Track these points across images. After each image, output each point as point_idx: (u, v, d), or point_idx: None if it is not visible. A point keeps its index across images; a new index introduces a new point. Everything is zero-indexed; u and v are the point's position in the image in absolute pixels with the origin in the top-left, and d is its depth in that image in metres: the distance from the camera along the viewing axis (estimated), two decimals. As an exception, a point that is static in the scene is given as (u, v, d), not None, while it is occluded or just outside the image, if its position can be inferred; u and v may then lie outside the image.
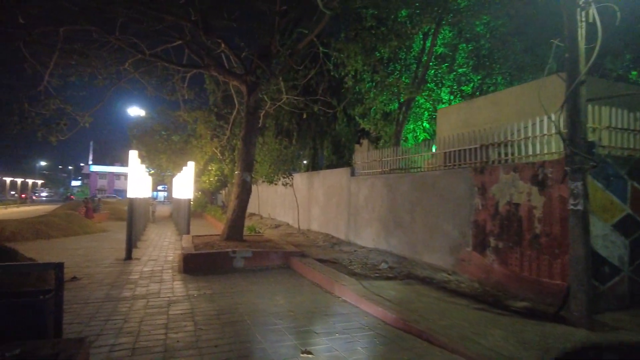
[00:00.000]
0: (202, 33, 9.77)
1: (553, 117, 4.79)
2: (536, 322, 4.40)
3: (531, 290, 5.31)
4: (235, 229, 9.94)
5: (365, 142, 18.97)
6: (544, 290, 5.14)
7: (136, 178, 10.07)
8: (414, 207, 7.88)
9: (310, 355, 3.65)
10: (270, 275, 7.52)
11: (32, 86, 10.59)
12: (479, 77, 11.84)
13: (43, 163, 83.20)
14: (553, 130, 5.26)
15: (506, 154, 6.14)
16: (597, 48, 4.18)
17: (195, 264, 7.86)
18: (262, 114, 11.65)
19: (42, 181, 68.52)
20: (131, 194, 10.04)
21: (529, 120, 5.68)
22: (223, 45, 10.66)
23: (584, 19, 4.29)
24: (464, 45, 11.72)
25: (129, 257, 9.44)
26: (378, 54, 11.02)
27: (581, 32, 4.33)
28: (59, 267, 3.24)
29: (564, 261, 4.88)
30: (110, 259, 9.38)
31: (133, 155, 10.05)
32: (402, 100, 11.58)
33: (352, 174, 10.71)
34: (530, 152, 5.67)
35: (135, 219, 11.35)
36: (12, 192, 45.75)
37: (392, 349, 3.82)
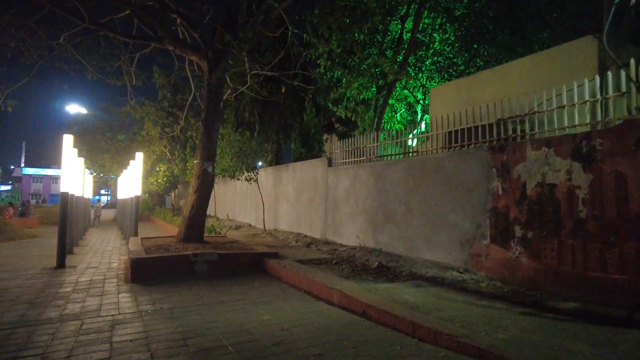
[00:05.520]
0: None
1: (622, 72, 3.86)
2: (613, 329, 3.41)
3: (575, 287, 4.36)
4: (194, 229, 8.41)
5: (331, 136, 17.86)
6: (594, 287, 4.20)
7: (71, 169, 8.26)
8: (409, 197, 6.82)
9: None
10: (244, 282, 6.13)
11: None
12: (461, 61, 11.14)
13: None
14: (599, 96, 4.39)
15: (531, 129, 5.23)
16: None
17: (147, 271, 6.30)
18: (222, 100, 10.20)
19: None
20: (65, 187, 8.15)
21: (562, 86, 4.78)
22: (179, 20, 9.14)
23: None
24: (449, 25, 10.97)
25: (61, 265, 7.64)
26: (356, 35, 9.96)
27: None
28: None
29: (623, 250, 3.96)
30: (36, 269, 7.53)
31: (68, 140, 8.22)
32: (381, 83, 10.59)
33: (330, 164, 9.53)
34: (566, 124, 4.77)
35: (71, 220, 9.47)
36: None
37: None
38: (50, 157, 74.93)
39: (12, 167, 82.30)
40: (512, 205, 5.11)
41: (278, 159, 16.06)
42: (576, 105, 4.67)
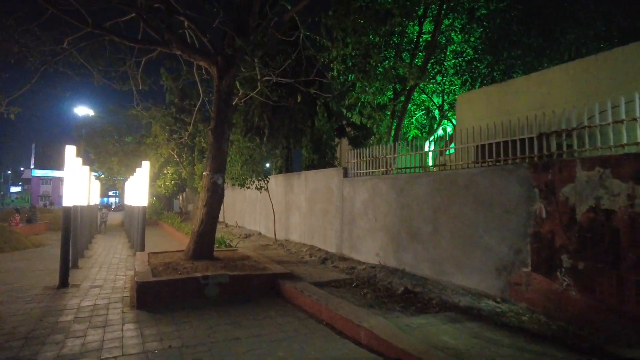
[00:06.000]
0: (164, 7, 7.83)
1: None
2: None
3: (638, 329, 3.82)
4: (203, 245, 7.95)
5: (341, 141, 17.30)
6: (664, 332, 3.65)
7: (74, 182, 7.83)
8: (437, 215, 6.29)
9: None
10: (258, 310, 5.63)
11: None
12: (484, 64, 10.53)
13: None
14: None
15: (580, 145, 4.68)
16: None
17: (154, 296, 5.85)
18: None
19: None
20: (68, 201, 7.71)
21: (620, 97, 4.22)
22: (187, 23, 8.70)
23: None
24: (470, 26, 10.37)
25: (64, 284, 7.21)
26: (371, 37, 9.43)
27: None
28: None
29: (702, 292, 3.42)
30: (37, 287, 7.12)
31: (70, 151, 7.80)
32: (398, 88, 10.04)
33: (345, 174, 9.02)
34: (625, 141, 4.21)
35: (75, 232, 9.10)
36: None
37: None
38: (59, 159, 75.31)
39: (22, 168, 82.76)
40: (558, 230, 4.57)
41: (288, 165, 15.60)
42: (638, 120, 4.12)
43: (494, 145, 5.63)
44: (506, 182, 5.22)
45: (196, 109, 11.64)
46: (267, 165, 17.86)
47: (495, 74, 10.37)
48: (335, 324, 4.78)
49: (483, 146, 5.82)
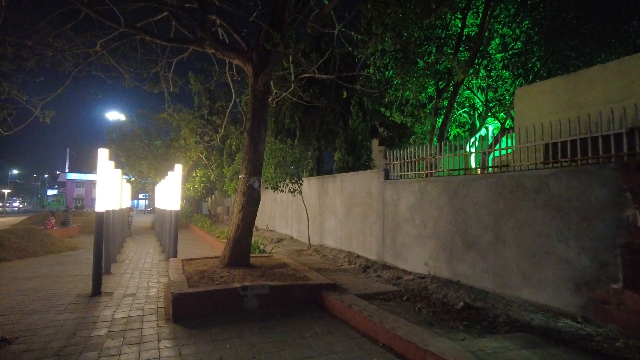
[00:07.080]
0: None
1: None
2: None
3: None
4: (240, 252, 7.54)
5: (371, 141, 16.68)
6: None
7: (107, 184, 7.56)
8: (499, 222, 5.64)
9: None
10: (302, 326, 5.13)
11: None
12: (537, 56, 9.73)
13: (15, 171, 78.87)
14: None
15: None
16: None
17: (190, 309, 5.44)
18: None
19: (8, 190, 64.11)
20: (101, 206, 7.39)
21: None
22: (219, 21, 8.38)
23: None
24: (522, 15, 9.59)
25: (97, 292, 6.94)
26: (411, 31, 8.83)
27: None
28: None
29: None
30: (71, 295, 6.87)
31: (103, 154, 7.54)
32: (441, 85, 9.39)
33: (387, 177, 8.45)
34: None
35: (107, 237, 8.88)
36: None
37: None
38: (91, 162, 77.72)
39: (58, 172, 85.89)
40: (660, 241, 3.88)
41: (319, 167, 15.13)
42: None
43: (568, 143, 4.96)
44: (587, 184, 4.55)
45: (228, 110, 11.31)
46: (292, 167, 17.51)
47: (550, 67, 9.52)
48: (394, 345, 4.22)
49: (554, 144, 5.16)
